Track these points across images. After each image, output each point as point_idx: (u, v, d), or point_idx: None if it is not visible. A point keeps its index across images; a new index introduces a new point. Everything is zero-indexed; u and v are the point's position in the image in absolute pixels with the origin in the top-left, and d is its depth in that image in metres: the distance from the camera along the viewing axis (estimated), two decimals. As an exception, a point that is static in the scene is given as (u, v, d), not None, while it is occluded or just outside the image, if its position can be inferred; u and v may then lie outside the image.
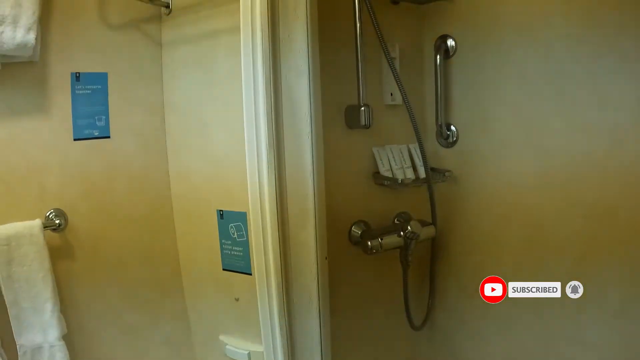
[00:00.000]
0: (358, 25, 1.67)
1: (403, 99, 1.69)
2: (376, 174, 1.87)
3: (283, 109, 1.31)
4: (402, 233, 1.78)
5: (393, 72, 1.68)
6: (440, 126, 1.91)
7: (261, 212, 1.31)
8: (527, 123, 1.73)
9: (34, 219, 1.35)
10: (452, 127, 1.94)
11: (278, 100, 1.30)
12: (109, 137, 1.56)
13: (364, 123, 1.70)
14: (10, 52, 1.26)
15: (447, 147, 1.97)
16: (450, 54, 1.91)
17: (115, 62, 1.57)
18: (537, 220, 1.72)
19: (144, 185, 1.65)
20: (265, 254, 1.33)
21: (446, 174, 1.92)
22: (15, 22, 1.23)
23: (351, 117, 1.75)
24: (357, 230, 1.87)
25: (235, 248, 1.52)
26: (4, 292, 1.28)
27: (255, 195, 1.31)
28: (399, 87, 1.69)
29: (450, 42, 1.90)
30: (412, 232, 1.76)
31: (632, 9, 1.46)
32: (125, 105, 1.59)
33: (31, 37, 1.27)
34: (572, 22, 1.59)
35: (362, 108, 1.70)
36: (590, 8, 1.55)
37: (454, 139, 1.94)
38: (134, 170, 1.62)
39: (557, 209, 1.67)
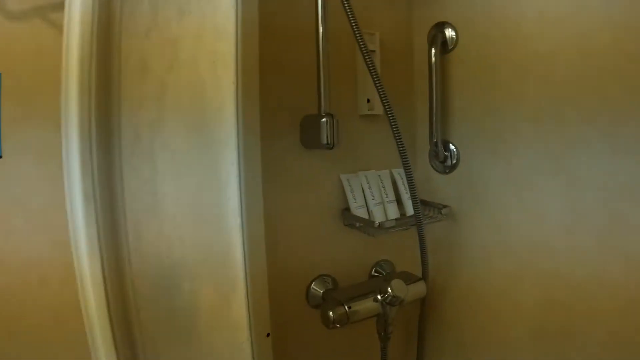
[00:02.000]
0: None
1: (384, 106, 1.17)
2: (346, 212, 1.35)
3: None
4: (379, 297, 1.26)
5: (370, 71, 1.15)
6: (436, 144, 1.39)
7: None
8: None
9: None
10: (451, 146, 1.42)
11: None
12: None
13: (325, 142, 1.18)
14: None
15: (445, 172, 1.45)
16: (450, 47, 1.40)
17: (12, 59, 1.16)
18: (566, 281, 1.19)
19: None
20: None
21: (442, 210, 1.39)
22: None
23: (308, 133, 1.23)
24: (318, 289, 1.35)
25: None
26: None
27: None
28: (378, 91, 1.16)
29: (450, 33, 1.39)
30: (393, 296, 1.24)
31: None
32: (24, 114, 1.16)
33: None
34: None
35: (324, 120, 1.18)
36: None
37: (454, 161, 1.42)
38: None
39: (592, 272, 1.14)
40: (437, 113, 1.37)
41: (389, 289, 1.25)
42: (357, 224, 1.31)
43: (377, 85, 1.15)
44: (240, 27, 0.84)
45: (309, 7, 1.18)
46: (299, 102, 1.24)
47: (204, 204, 0.89)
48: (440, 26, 1.41)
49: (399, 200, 1.41)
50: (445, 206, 1.41)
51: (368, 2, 1.37)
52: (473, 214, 1.39)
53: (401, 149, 1.19)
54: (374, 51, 1.36)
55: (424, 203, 1.45)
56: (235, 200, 0.84)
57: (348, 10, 1.12)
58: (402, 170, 1.41)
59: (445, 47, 1.40)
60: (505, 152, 1.28)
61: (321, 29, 1.17)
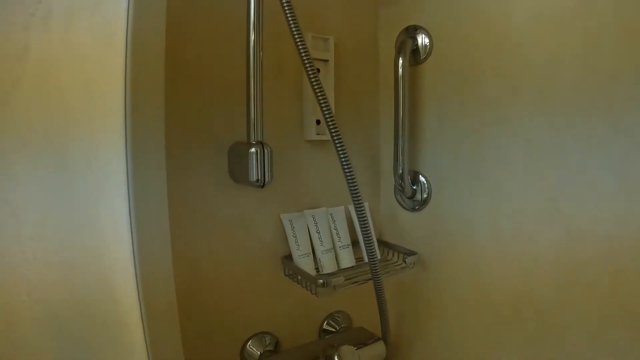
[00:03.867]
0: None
1: (329, 131, 0.89)
2: (287, 261, 1.09)
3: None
4: (324, 368, 1.01)
5: (313, 85, 0.88)
6: (402, 177, 1.13)
7: None
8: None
9: None
10: (422, 178, 1.16)
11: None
12: None
13: (254, 178, 0.92)
14: None
15: (413, 209, 1.19)
16: (422, 56, 1.13)
17: None
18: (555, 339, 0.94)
19: None
20: None
21: (407, 259, 1.14)
22: None
23: (238, 164, 0.97)
24: (255, 349, 1.09)
25: None
26: None
27: None
28: (322, 112, 0.89)
29: (423, 39, 1.13)
30: (341, 368, 0.99)
31: None
32: None
33: None
34: None
35: (252, 150, 0.91)
36: None
37: (424, 195, 1.16)
38: None
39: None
40: (405, 137, 1.11)
41: (336, 357, 1.01)
42: (300, 279, 1.05)
43: (322, 103, 0.88)
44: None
45: (241, 5, 0.91)
46: (228, 125, 0.98)
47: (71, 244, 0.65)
48: (412, 30, 1.15)
49: (357, 243, 1.15)
50: (411, 253, 1.15)
51: (323, 2, 1.11)
52: (446, 260, 1.13)
53: (351, 184, 0.92)
54: (326, 60, 1.09)
55: (388, 246, 1.20)
56: (125, 242, 0.61)
57: (286, 8, 0.85)
58: (364, 206, 1.16)
59: (416, 55, 1.14)
60: (489, 186, 1.02)
61: (252, 37, 0.90)
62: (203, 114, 0.96)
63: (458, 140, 1.08)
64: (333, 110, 1.10)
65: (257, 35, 0.90)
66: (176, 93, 0.93)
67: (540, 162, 0.92)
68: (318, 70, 1.09)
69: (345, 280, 1.05)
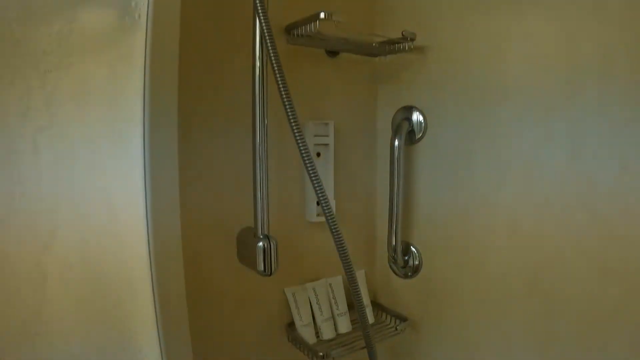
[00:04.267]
0: (258, 89, 0.97)
1: (324, 211, 0.97)
2: (291, 328, 1.19)
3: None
4: None
5: (310, 174, 0.95)
6: (395, 249, 1.23)
7: None
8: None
9: None
10: (413, 249, 1.26)
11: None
12: None
13: (262, 269, 1.01)
14: None
15: (406, 276, 1.30)
16: (417, 135, 1.22)
17: None
18: None
19: None
20: None
21: (399, 326, 1.24)
22: None
23: (245, 251, 1.06)
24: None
25: None
26: None
27: None
28: (319, 199, 0.97)
29: (418, 117, 1.21)
30: None
31: None
32: None
33: None
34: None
35: (260, 244, 1.00)
36: None
37: (416, 262, 1.26)
38: None
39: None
40: (398, 211, 1.21)
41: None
42: (300, 347, 1.15)
43: (318, 190, 0.96)
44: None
45: (246, 96, 0.98)
46: (236, 212, 1.07)
47: None
48: (407, 111, 1.23)
49: (353, 307, 1.25)
50: (403, 319, 1.25)
51: (321, 89, 1.18)
52: (437, 326, 1.23)
53: (346, 263, 1.00)
54: (326, 144, 1.18)
55: (383, 309, 1.30)
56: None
57: (286, 102, 0.92)
58: (361, 273, 1.27)
59: (412, 136, 1.22)
60: (476, 262, 1.13)
61: (258, 139, 0.98)
62: (214, 203, 1.05)
63: (450, 217, 1.17)
64: (332, 188, 1.19)
65: (263, 134, 0.98)
66: (189, 182, 1.01)
67: (522, 245, 1.03)
68: (318, 154, 1.18)
69: (343, 347, 1.15)
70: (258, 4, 0.89)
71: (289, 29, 1.10)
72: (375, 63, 1.27)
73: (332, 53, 1.21)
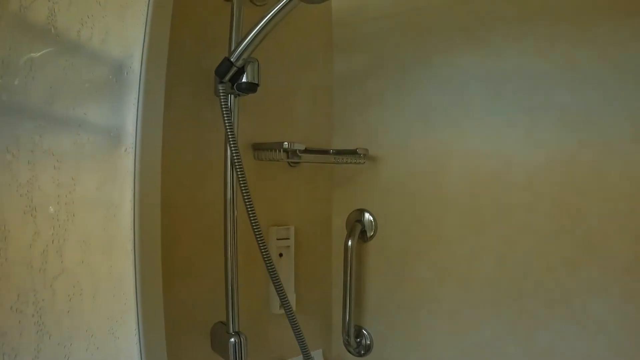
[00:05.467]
0: (229, 211, 1.16)
1: (284, 306, 1.17)
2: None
3: None
4: None
5: (271, 276, 1.14)
6: (348, 332, 1.40)
7: None
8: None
9: None
10: (364, 332, 1.44)
11: None
12: None
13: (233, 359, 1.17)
14: None
15: (359, 354, 1.47)
16: (369, 234, 1.42)
17: None
18: None
19: None
20: None
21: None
22: None
23: (218, 343, 1.22)
24: None
25: None
26: None
27: None
28: (279, 297, 1.15)
29: (369, 217, 1.41)
30: None
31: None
32: None
33: None
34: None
35: (232, 340, 1.17)
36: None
37: (368, 342, 1.44)
38: None
39: None
40: (351, 301, 1.39)
41: None
42: None
43: (278, 290, 1.14)
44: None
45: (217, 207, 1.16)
46: (209, 309, 1.23)
47: None
48: (360, 213, 1.43)
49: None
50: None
51: (284, 196, 1.37)
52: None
53: (302, 343, 1.18)
54: (288, 246, 1.36)
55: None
56: None
57: (250, 213, 1.11)
58: (319, 352, 1.43)
59: (364, 235, 1.42)
60: (422, 345, 1.32)
61: (230, 250, 1.16)
62: (189, 302, 1.21)
63: (396, 309, 1.36)
64: (293, 282, 1.37)
65: (233, 239, 1.16)
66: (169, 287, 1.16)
67: (461, 332, 1.23)
68: (281, 254, 1.36)
69: None
70: (230, 137, 1.09)
71: (256, 147, 1.29)
72: (332, 171, 1.48)
73: (294, 162, 1.41)
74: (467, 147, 1.26)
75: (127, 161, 0.93)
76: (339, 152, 1.36)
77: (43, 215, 0.93)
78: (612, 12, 1.10)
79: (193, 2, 1.19)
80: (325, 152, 1.37)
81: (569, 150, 1.13)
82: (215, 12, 1.22)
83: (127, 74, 0.97)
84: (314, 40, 1.48)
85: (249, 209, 1.10)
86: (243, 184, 1.09)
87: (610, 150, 1.09)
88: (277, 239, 1.34)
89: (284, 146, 1.19)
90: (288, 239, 1.36)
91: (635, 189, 1.05)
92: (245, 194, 1.10)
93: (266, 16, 1.02)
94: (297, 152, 1.21)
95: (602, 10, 1.11)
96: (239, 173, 1.09)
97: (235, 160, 1.09)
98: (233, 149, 1.09)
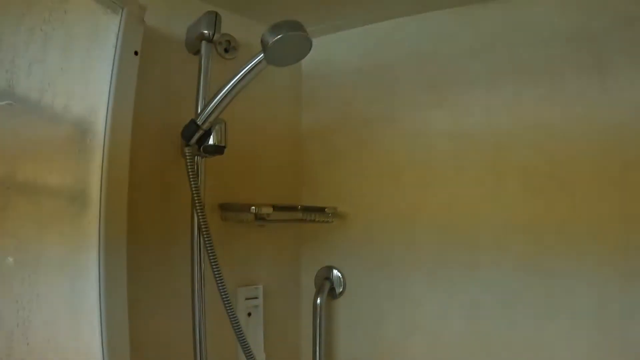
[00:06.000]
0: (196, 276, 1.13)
1: None
2: None
3: None
4: None
5: (237, 335, 1.10)
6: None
7: None
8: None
9: None
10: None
11: None
12: None
13: None
14: None
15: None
16: (338, 291, 1.40)
17: None
18: None
19: None
20: None
21: None
22: None
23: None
24: None
25: None
26: None
27: None
28: (244, 353, 1.12)
29: (338, 276, 1.39)
30: None
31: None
32: None
33: None
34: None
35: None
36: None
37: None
38: None
39: None
40: (321, 358, 1.36)
41: None
42: None
43: (246, 352, 1.11)
44: None
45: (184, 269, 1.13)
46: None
47: None
48: (328, 270, 1.41)
49: None
50: None
51: (252, 256, 1.35)
52: None
53: None
54: (256, 306, 1.33)
55: None
56: None
57: (217, 276, 1.08)
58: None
59: (333, 293, 1.40)
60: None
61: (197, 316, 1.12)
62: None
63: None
64: (262, 342, 1.33)
65: (201, 301, 1.12)
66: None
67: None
68: (249, 314, 1.33)
69: None
70: (196, 201, 1.07)
71: (224, 207, 1.27)
72: (300, 228, 1.46)
73: (262, 220, 1.38)
74: (436, 204, 1.26)
75: (91, 231, 0.91)
76: (308, 209, 1.35)
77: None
78: (579, 68, 1.13)
79: (159, 56, 1.18)
80: (293, 208, 1.36)
81: (535, 209, 1.14)
82: (183, 66, 1.21)
83: (90, 140, 0.95)
84: (284, 93, 1.48)
85: (216, 273, 1.08)
86: (210, 248, 1.07)
87: (575, 209, 1.10)
88: (246, 299, 1.31)
89: (251, 210, 1.17)
90: (257, 297, 1.33)
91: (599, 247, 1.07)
92: (212, 259, 1.07)
93: (234, 78, 1.01)
94: (265, 215, 1.19)
95: (569, 66, 1.14)
96: (205, 238, 1.07)
97: (202, 225, 1.07)
98: (200, 214, 1.07)
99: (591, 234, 1.08)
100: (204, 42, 1.17)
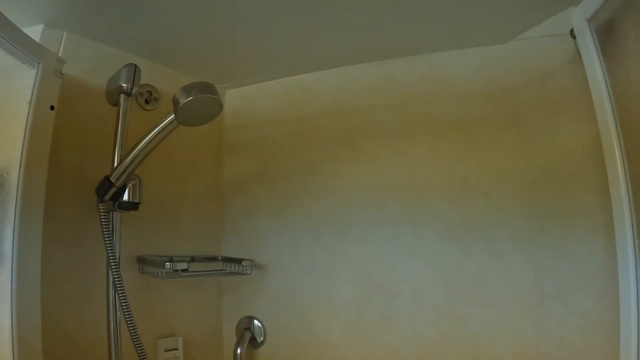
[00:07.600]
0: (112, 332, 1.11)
1: None
2: None
3: None
4: None
5: None
6: None
7: None
8: None
9: None
10: None
11: None
12: None
13: None
14: None
15: None
16: (259, 340, 1.40)
17: None
18: None
19: None
20: None
21: None
22: None
23: None
24: None
25: None
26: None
27: None
28: None
29: (258, 326, 1.40)
30: None
31: None
32: None
33: None
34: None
35: None
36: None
37: None
38: None
39: None
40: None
41: None
42: None
43: None
44: None
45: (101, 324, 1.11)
46: None
47: None
48: (249, 320, 1.42)
49: None
50: None
51: (172, 307, 1.34)
52: None
53: None
54: (176, 357, 1.31)
55: None
56: None
57: (132, 332, 1.07)
58: None
59: (254, 342, 1.40)
60: None
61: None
62: None
63: None
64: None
65: (118, 356, 1.10)
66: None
67: None
68: (169, 366, 1.31)
69: None
70: (110, 258, 1.06)
71: (141, 260, 1.26)
72: (221, 278, 1.46)
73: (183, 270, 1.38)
74: (354, 256, 1.30)
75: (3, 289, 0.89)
76: (227, 260, 1.36)
77: None
78: (493, 123, 1.21)
79: (80, 108, 1.18)
80: (213, 258, 1.36)
81: (453, 259, 1.19)
82: (103, 117, 1.21)
83: (2, 198, 0.93)
84: (204, 143, 1.50)
85: (131, 328, 1.07)
86: (124, 304, 1.07)
87: (492, 258, 1.16)
88: (165, 350, 1.30)
89: (166, 266, 1.16)
90: (177, 349, 1.32)
91: (514, 295, 1.13)
92: (127, 314, 1.07)
93: (148, 136, 1.02)
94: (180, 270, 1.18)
95: (485, 121, 1.21)
96: (120, 294, 1.06)
97: (117, 282, 1.07)
98: (114, 270, 1.06)
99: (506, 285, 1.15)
100: (122, 95, 1.18)
